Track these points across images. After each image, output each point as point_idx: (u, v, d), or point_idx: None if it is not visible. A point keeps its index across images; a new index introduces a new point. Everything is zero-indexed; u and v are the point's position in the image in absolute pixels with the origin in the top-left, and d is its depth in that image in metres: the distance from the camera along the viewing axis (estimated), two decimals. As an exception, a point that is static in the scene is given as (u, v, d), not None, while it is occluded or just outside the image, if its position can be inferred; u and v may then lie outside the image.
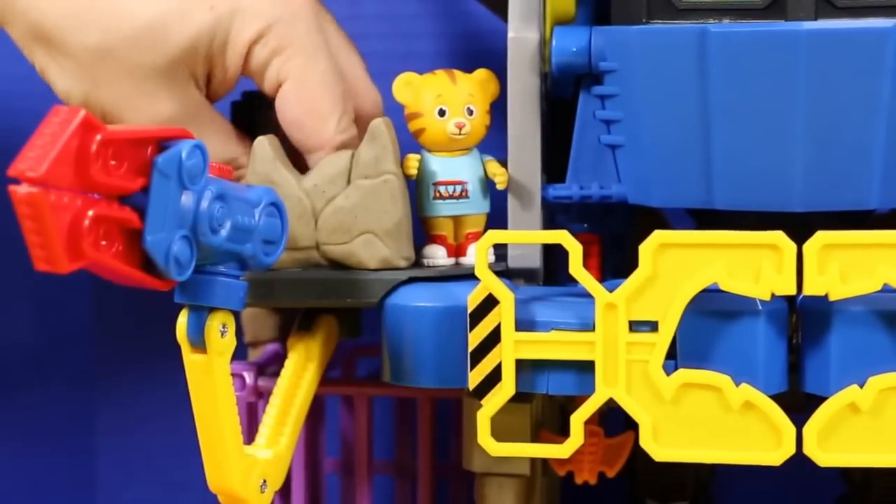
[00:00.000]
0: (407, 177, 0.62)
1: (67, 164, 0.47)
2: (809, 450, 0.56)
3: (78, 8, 0.62)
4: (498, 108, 0.64)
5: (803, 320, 0.58)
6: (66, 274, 0.48)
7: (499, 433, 0.59)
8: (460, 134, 0.62)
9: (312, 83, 0.63)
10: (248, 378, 0.71)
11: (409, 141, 0.63)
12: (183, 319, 0.55)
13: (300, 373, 0.62)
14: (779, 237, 0.55)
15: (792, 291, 0.56)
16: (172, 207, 0.51)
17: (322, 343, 0.64)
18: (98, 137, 0.48)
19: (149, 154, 0.50)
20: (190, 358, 0.55)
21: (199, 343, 0.55)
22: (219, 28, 0.63)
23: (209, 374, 0.55)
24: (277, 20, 0.63)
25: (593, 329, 0.57)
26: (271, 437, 0.60)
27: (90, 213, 0.48)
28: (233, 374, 0.71)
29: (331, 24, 0.68)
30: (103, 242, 0.49)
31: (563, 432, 0.62)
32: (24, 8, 0.62)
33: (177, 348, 0.88)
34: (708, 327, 0.57)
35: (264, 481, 0.59)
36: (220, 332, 0.55)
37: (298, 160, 0.65)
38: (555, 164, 0.65)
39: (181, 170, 0.51)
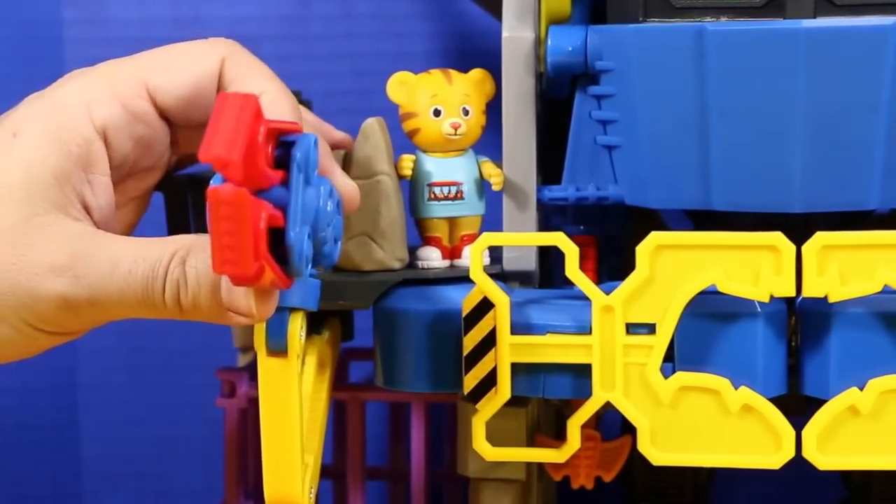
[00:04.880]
0: (401, 177, 0.62)
1: (248, 154, 0.47)
2: (809, 453, 0.56)
3: None
4: (493, 109, 0.63)
5: (802, 322, 0.58)
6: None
7: (494, 438, 0.59)
8: (456, 134, 0.62)
9: None
10: (240, 384, 0.71)
11: (403, 141, 0.63)
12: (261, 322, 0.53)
13: (320, 376, 0.61)
14: (777, 238, 0.55)
15: (791, 293, 0.55)
16: (302, 203, 0.49)
17: (332, 346, 0.63)
18: (262, 129, 0.48)
19: (271, 148, 0.49)
20: (267, 362, 0.53)
21: (279, 346, 0.53)
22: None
23: (288, 378, 0.53)
24: None
25: (590, 332, 0.57)
26: (308, 442, 0.58)
27: (263, 214, 0.47)
28: (224, 381, 0.71)
29: None
30: None
31: (559, 436, 0.62)
32: None
33: (162, 355, 0.88)
34: (706, 330, 0.57)
35: (311, 488, 0.57)
36: (300, 335, 0.53)
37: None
38: (551, 165, 0.64)
39: (308, 164, 0.49)
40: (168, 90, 0.57)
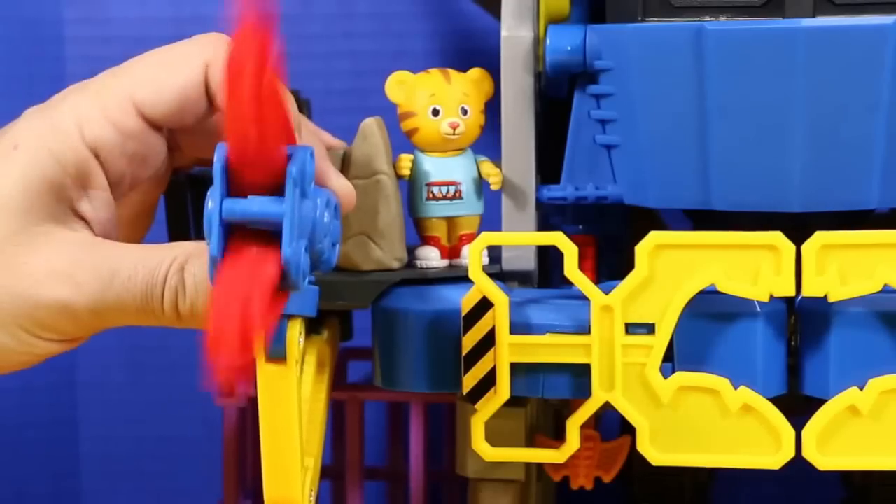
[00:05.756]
0: (400, 177, 0.62)
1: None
2: (809, 453, 0.56)
3: None
4: (492, 108, 0.63)
5: (802, 322, 0.58)
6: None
7: (493, 438, 0.59)
8: (454, 134, 0.62)
9: None
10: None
11: (401, 141, 0.62)
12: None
13: (319, 377, 0.61)
14: (777, 238, 0.55)
15: (791, 293, 0.55)
16: (299, 218, 0.49)
17: (331, 345, 0.63)
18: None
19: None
20: (266, 368, 0.53)
21: (278, 353, 0.53)
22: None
23: (288, 384, 0.53)
24: None
25: (589, 332, 0.57)
26: (307, 445, 0.58)
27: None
28: (223, 380, 0.71)
29: None
30: None
31: (558, 437, 0.62)
32: None
33: (161, 354, 0.88)
34: (705, 329, 0.57)
35: (311, 491, 0.57)
36: (299, 341, 0.53)
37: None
38: (549, 164, 0.64)
39: (304, 178, 0.50)
40: (155, 104, 0.58)
